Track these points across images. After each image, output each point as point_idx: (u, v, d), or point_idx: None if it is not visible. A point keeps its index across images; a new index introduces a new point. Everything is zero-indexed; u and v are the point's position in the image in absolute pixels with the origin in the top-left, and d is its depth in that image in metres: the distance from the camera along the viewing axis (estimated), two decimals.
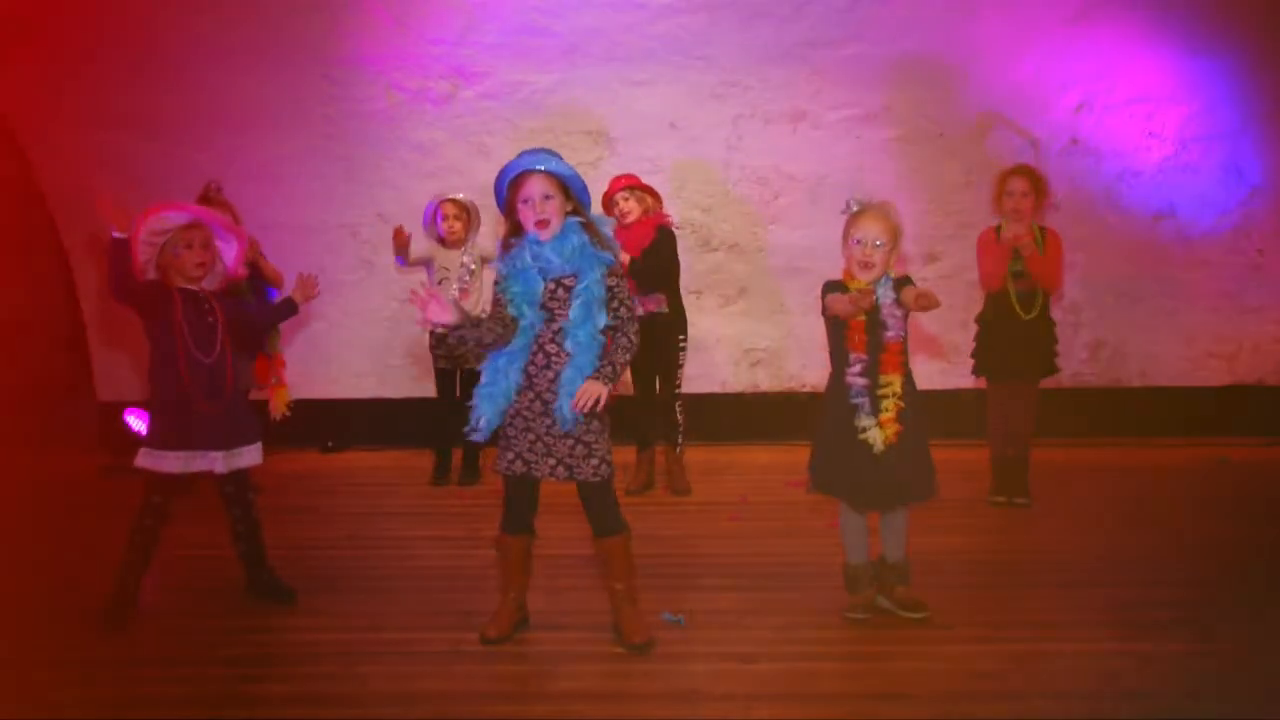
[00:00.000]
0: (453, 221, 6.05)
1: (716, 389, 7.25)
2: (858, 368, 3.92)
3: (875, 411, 3.90)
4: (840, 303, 3.90)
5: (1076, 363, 7.16)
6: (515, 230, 3.75)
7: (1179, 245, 7.13)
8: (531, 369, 3.74)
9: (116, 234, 3.90)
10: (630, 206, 5.70)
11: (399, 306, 7.22)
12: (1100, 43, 6.89)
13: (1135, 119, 7.02)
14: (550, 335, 3.72)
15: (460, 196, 6.13)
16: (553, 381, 3.71)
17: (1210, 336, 7.24)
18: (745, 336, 7.28)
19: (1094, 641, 3.84)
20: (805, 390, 7.24)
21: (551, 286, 3.72)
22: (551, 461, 3.75)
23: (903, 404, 3.90)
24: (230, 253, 4.25)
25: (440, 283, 6.12)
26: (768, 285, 7.22)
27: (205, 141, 6.85)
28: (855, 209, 3.96)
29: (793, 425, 6.94)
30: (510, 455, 3.78)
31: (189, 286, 4.13)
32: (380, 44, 6.94)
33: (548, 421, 3.73)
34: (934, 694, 3.48)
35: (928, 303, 3.83)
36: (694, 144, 7.04)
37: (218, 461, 4.14)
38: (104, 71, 6.81)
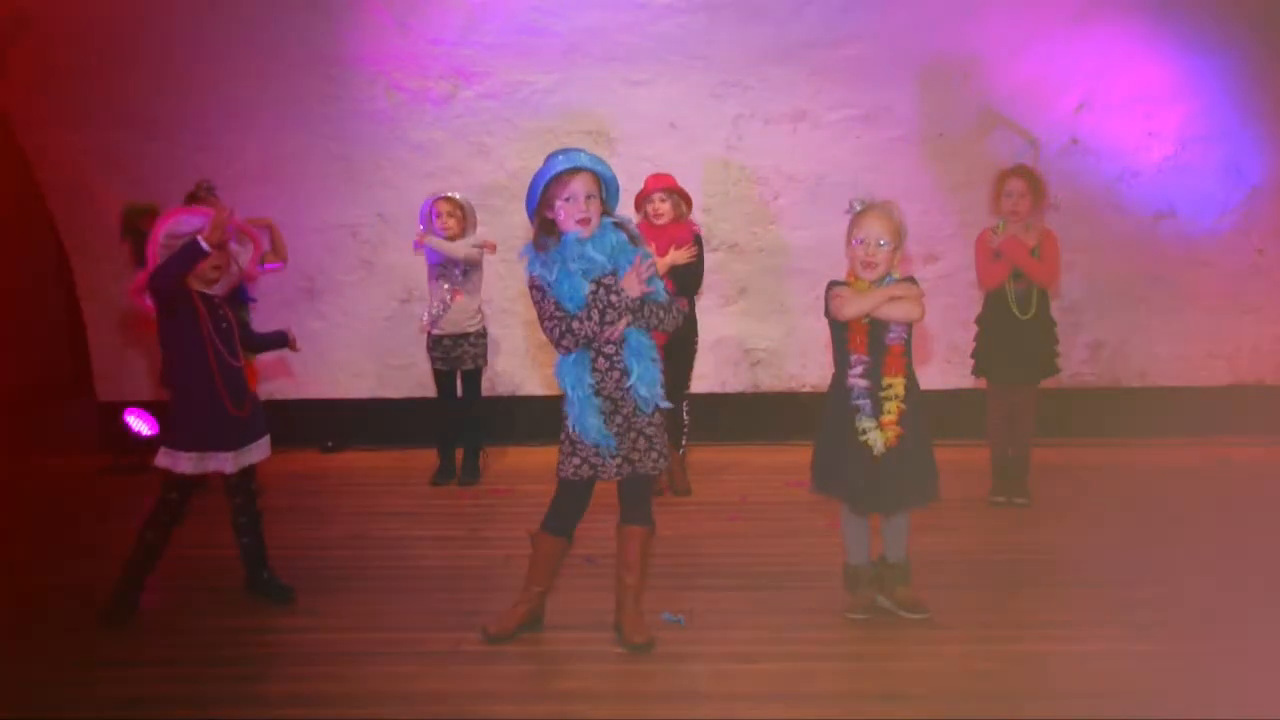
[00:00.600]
0: (447, 219, 6.05)
1: (716, 389, 7.25)
2: (859, 369, 3.91)
3: (877, 413, 3.90)
4: (847, 303, 3.89)
5: (1076, 363, 7.16)
6: (548, 229, 3.72)
7: (1179, 245, 7.13)
8: (595, 375, 3.73)
9: (203, 241, 3.91)
10: (665, 209, 5.73)
11: (399, 306, 7.22)
12: (1100, 43, 6.89)
13: (1135, 119, 7.02)
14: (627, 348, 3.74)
15: (455, 195, 6.13)
16: (619, 382, 3.72)
17: (1210, 336, 7.23)
18: (745, 336, 7.28)
19: (1094, 641, 3.84)
20: (805, 390, 7.24)
21: (593, 287, 3.70)
22: (617, 461, 3.76)
23: (904, 407, 3.90)
24: (245, 255, 4.26)
25: (438, 279, 6.11)
26: (768, 285, 7.22)
27: (205, 141, 6.86)
28: (858, 208, 3.95)
29: (793, 425, 6.95)
30: (577, 460, 3.77)
31: (204, 290, 4.14)
32: (380, 44, 6.93)
33: (618, 420, 3.74)
34: (934, 694, 3.48)
35: (904, 314, 3.86)
36: (694, 144, 7.04)
37: (228, 462, 4.16)
38: (104, 71, 6.81)
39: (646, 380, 3.74)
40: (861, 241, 3.90)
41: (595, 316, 3.65)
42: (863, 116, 7.02)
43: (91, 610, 4.16)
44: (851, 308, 3.88)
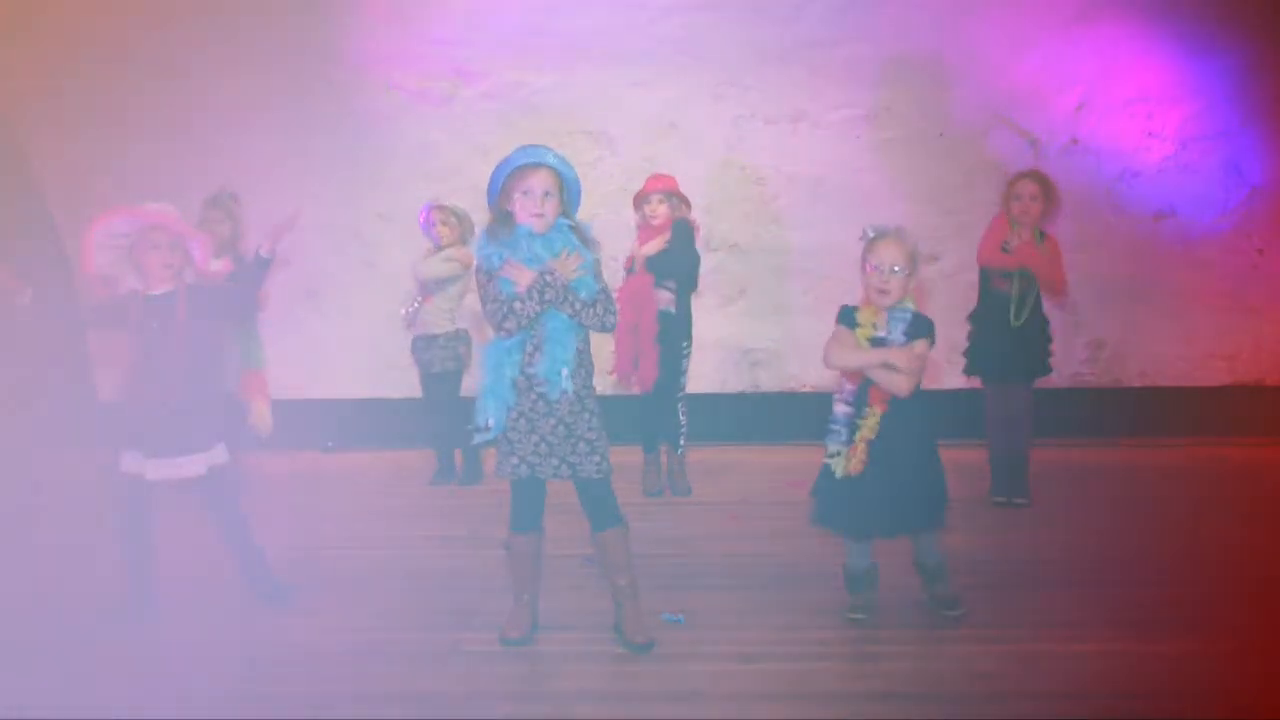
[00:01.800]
0: (440, 227, 6.07)
1: (716, 389, 7.25)
2: (845, 395, 3.95)
3: (849, 439, 3.92)
4: (837, 352, 3.92)
5: (1076, 363, 7.16)
6: (503, 220, 3.76)
7: (1179, 245, 7.13)
8: (530, 369, 3.74)
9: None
10: (661, 210, 5.71)
11: (399, 306, 7.21)
12: (1100, 43, 6.90)
13: (1135, 119, 7.03)
14: (545, 332, 3.73)
15: (448, 204, 6.11)
16: None
17: (1210, 336, 7.23)
18: (745, 336, 7.28)
19: (1094, 641, 3.84)
20: (805, 390, 7.24)
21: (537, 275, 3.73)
22: (555, 461, 3.75)
23: (871, 437, 3.89)
24: (196, 252, 4.20)
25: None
26: (768, 285, 7.22)
27: (205, 141, 6.86)
28: (871, 235, 3.96)
29: (793, 425, 6.95)
30: (514, 460, 3.78)
31: (157, 290, 4.11)
32: (380, 44, 6.94)
33: (551, 421, 3.73)
34: (934, 694, 3.48)
35: (889, 386, 3.87)
36: (694, 144, 7.04)
37: (148, 468, 4.10)
38: (104, 71, 6.81)
39: (553, 364, 3.71)
40: (876, 268, 3.90)
41: (535, 297, 3.67)
42: (863, 116, 7.02)
43: (91, 611, 4.16)
44: (840, 359, 3.92)
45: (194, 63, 6.82)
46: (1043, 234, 5.51)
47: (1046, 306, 5.65)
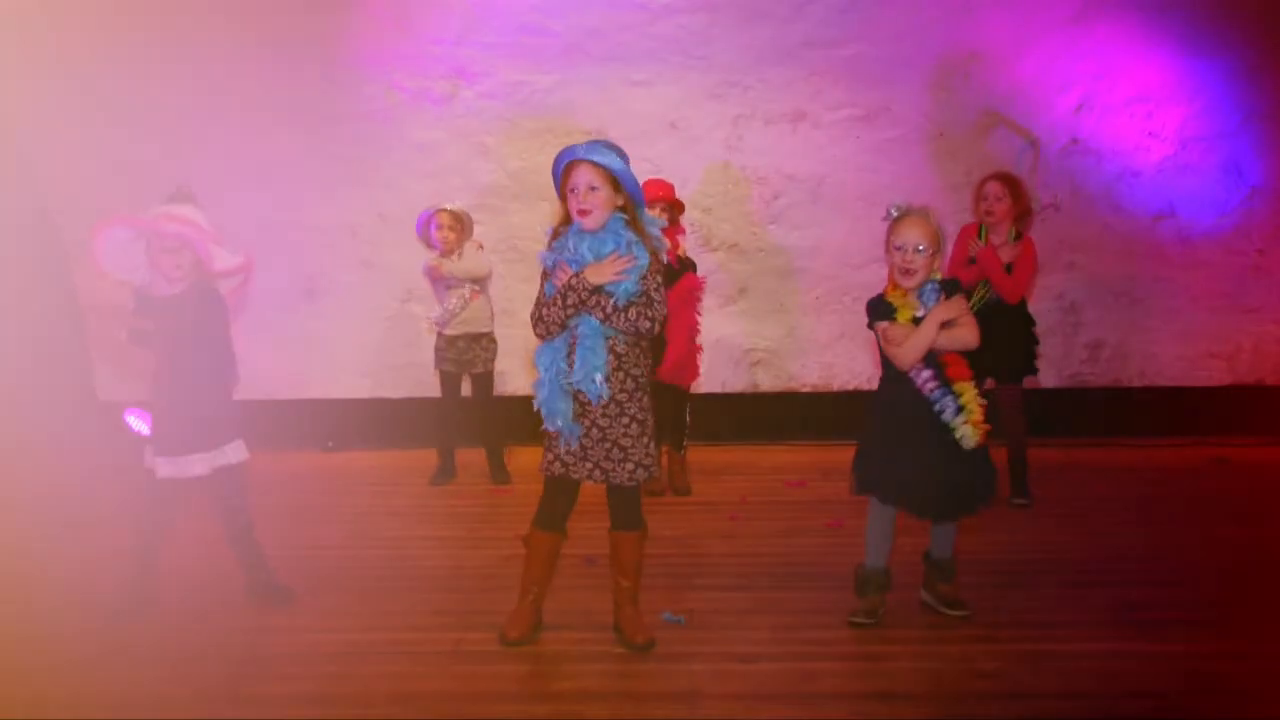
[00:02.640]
0: (446, 232, 6.02)
1: (716, 389, 7.25)
2: (928, 373, 3.85)
3: (959, 412, 3.83)
4: (905, 349, 3.83)
5: (1076, 363, 7.16)
6: (565, 218, 3.71)
7: (1179, 245, 7.13)
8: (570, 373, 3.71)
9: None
10: (663, 219, 5.74)
11: (399, 306, 7.22)
12: (1100, 43, 6.90)
13: (1135, 119, 7.03)
14: (578, 336, 3.70)
15: (454, 207, 6.09)
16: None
17: (1210, 336, 7.23)
18: (745, 336, 7.28)
19: (1094, 641, 3.84)
20: (805, 390, 7.24)
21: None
22: (589, 465, 3.73)
23: (981, 404, 3.86)
24: (204, 252, 4.18)
25: (449, 287, 6.08)
26: (768, 285, 7.22)
27: (205, 141, 6.85)
28: (895, 214, 3.89)
29: (793, 425, 6.95)
30: (550, 456, 3.78)
31: (170, 291, 4.11)
32: (380, 44, 6.94)
33: (586, 423, 3.71)
34: (934, 694, 3.49)
35: (962, 344, 3.85)
36: (694, 144, 7.04)
37: (161, 465, 4.12)
38: (103, 71, 6.82)
39: (585, 369, 3.65)
40: (899, 248, 3.84)
41: (559, 302, 3.63)
42: (863, 116, 7.02)
43: (91, 611, 4.16)
44: (911, 353, 3.81)
45: (194, 62, 6.81)
46: (1018, 234, 5.49)
47: (1032, 307, 5.64)
